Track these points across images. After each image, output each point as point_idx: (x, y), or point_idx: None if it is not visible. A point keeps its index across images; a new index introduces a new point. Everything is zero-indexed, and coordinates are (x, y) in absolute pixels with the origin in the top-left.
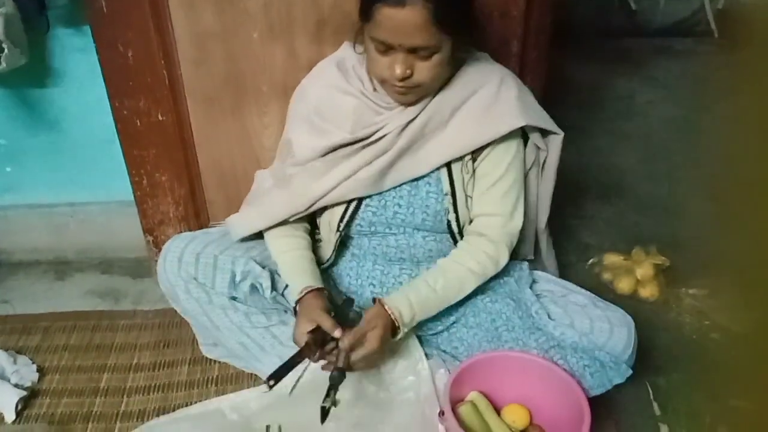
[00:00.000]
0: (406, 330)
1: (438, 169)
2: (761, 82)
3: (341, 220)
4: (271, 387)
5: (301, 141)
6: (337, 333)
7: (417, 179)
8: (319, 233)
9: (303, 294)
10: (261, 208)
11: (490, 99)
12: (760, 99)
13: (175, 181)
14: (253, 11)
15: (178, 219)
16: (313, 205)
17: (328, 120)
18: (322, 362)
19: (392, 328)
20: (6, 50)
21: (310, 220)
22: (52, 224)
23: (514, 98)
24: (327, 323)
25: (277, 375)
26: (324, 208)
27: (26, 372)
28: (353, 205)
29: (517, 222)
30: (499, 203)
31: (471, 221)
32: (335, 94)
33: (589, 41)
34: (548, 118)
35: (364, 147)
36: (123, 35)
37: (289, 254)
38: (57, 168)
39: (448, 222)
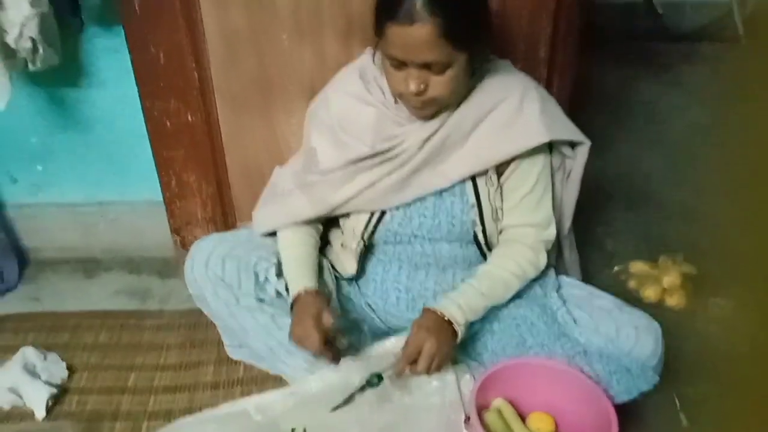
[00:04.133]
0: (463, 330)
1: (462, 181)
2: None
3: (365, 229)
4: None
5: (326, 151)
6: (344, 341)
7: (441, 191)
8: (344, 241)
9: (303, 293)
10: (284, 208)
11: (513, 113)
12: None
13: (203, 182)
14: (282, 13)
15: (205, 220)
16: (333, 210)
17: (349, 132)
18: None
19: (448, 331)
20: (40, 50)
21: (326, 223)
22: (82, 223)
23: (537, 112)
24: (332, 327)
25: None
26: (348, 216)
27: (56, 369)
28: (377, 214)
29: (552, 230)
30: (532, 214)
31: (501, 231)
32: (357, 105)
33: (615, 45)
34: (574, 128)
35: (383, 161)
36: (155, 36)
37: (295, 250)
38: (87, 167)
39: (475, 233)
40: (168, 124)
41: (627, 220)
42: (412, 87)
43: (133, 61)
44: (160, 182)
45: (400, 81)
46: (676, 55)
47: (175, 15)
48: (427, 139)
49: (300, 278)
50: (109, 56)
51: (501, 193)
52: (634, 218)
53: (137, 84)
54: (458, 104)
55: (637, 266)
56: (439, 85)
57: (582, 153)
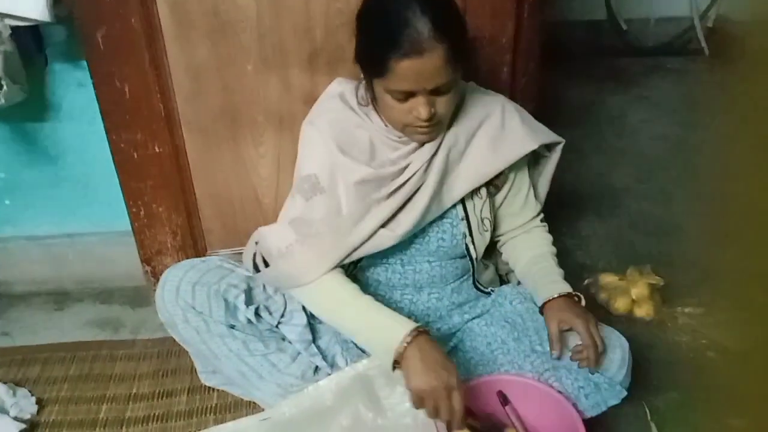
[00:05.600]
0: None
1: None
2: (752, 98)
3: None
4: None
5: (324, 172)
6: None
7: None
8: None
9: (413, 336)
10: (298, 264)
11: (498, 128)
12: (751, 115)
13: (172, 212)
14: (247, 44)
15: (175, 248)
16: (353, 252)
17: (347, 153)
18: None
19: (574, 301)
20: (5, 87)
21: None
22: (52, 255)
23: (519, 123)
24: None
25: None
26: None
27: (25, 404)
28: None
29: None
30: (535, 207)
31: (503, 234)
32: (347, 126)
33: (581, 60)
34: (550, 132)
35: (391, 194)
36: (120, 70)
37: (358, 302)
38: (55, 200)
39: (467, 245)
40: (135, 155)
41: (597, 232)
42: (424, 113)
43: (98, 95)
44: (128, 213)
45: (405, 112)
46: (642, 69)
47: (139, 50)
48: (430, 160)
49: (396, 320)
50: (75, 90)
51: (491, 205)
52: (604, 230)
53: (103, 117)
54: (450, 123)
55: (607, 278)
56: (444, 104)
57: (556, 151)
